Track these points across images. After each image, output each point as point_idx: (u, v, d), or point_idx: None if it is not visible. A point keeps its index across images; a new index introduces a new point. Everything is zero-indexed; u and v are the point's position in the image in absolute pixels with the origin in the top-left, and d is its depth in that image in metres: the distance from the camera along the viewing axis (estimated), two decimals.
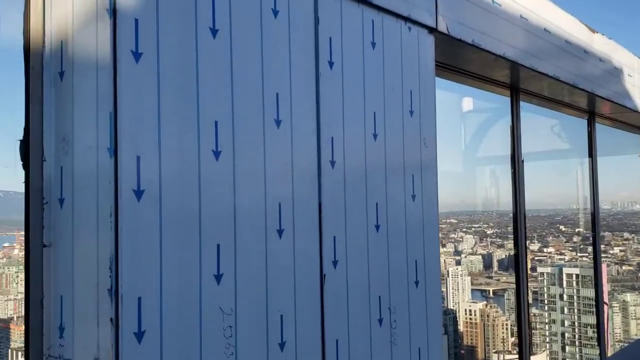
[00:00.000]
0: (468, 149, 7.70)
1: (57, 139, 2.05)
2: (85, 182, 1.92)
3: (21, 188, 2.06)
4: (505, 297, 10.62)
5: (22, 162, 2.05)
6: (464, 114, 6.88)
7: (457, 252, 10.51)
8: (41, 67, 2.07)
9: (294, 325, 2.33)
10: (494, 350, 10.61)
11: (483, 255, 10.49)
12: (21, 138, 2.06)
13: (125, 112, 1.82)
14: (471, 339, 10.91)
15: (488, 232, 10.13)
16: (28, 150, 2.04)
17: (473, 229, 10.22)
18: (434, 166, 3.20)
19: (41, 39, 2.10)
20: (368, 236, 2.74)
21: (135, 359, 1.79)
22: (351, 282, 2.62)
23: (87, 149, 1.92)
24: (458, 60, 3.87)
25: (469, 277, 10.72)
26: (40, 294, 2.05)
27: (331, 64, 2.60)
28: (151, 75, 1.89)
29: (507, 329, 10.64)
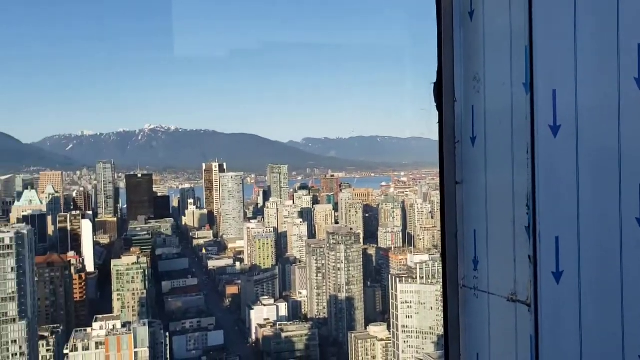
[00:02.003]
0: None
1: (467, 78, 2.08)
2: (499, 119, 1.94)
3: (435, 129, 2.18)
4: None
5: (435, 103, 2.17)
6: None
7: None
8: (451, 8, 2.13)
9: None
10: None
11: None
12: (434, 81, 2.16)
13: (540, 44, 1.75)
14: None
15: None
16: (441, 91, 2.13)
17: None
18: None
19: None
20: None
21: (554, 299, 1.77)
22: None
23: (500, 85, 1.93)
24: None
25: None
26: (454, 228, 2.14)
27: None
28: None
29: None
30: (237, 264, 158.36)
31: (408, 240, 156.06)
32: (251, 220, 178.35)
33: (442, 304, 2.47)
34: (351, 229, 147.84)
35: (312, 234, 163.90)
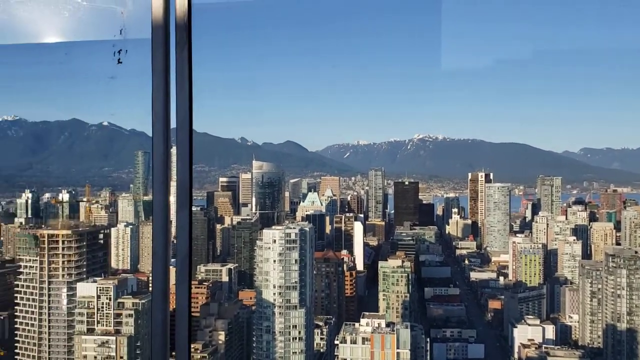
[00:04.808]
0: None
1: None
2: None
3: None
4: None
5: None
6: None
7: None
8: None
9: None
10: None
11: None
12: None
13: None
14: None
15: None
16: None
17: None
18: None
19: None
20: None
21: None
22: None
23: None
24: None
25: None
26: None
27: None
28: None
29: None
30: (501, 278, 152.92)
31: None
32: (517, 234, 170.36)
33: None
34: (636, 252, 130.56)
35: (587, 254, 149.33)
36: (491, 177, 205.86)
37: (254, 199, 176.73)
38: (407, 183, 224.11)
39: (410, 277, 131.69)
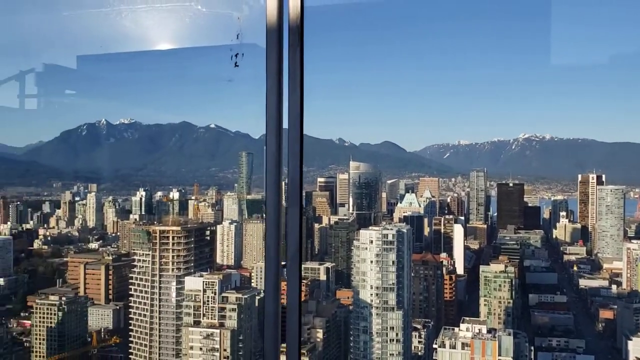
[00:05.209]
0: None
1: None
2: None
3: None
4: None
5: None
6: None
7: None
8: None
9: None
10: None
11: None
12: None
13: None
14: None
15: None
16: None
17: None
18: None
19: None
20: None
21: None
22: None
23: None
24: None
25: None
26: None
27: None
28: None
29: None
30: (614, 286, 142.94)
31: None
32: (632, 240, 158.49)
33: None
34: None
35: None
36: (603, 178, 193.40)
37: (351, 199, 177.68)
38: (511, 185, 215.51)
39: (513, 283, 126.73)
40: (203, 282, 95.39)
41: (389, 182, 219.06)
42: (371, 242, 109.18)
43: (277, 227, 4.98)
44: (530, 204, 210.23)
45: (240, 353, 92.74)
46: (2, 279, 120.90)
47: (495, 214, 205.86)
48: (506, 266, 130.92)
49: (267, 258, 4.96)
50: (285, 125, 5.06)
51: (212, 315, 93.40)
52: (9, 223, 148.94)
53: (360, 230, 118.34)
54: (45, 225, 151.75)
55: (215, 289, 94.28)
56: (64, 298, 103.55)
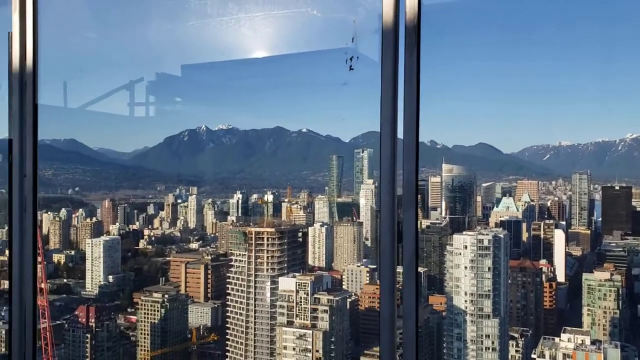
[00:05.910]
0: None
1: None
2: None
3: None
4: None
5: None
6: None
7: None
8: None
9: None
10: None
11: None
12: None
13: None
14: None
15: None
16: None
17: None
18: None
19: None
20: None
21: None
22: None
23: None
24: None
25: None
26: None
27: None
28: None
29: None
30: None
31: None
32: None
33: None
34: None
35: None
36: None
37: (443, 203, 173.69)
38: (617, 188, 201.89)
39: (620, 292, 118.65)
40: (296, 282, 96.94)
41: (484, 185, 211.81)
42: (465, 247, 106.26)
43: (392, 230, 4.94)
44: (638, 209, 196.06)
45: (332, 355, 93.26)
46: (111, 277, 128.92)
47: (600, 219, 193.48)
48: (612, 274, 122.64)
49: (383, 259, 4.93)
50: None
51: (304, 316, 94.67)
52: (117, 224, 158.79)
53: (454, 235, 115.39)
54: (150, 226, 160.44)
55: (307, 290, 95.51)
56: (166, 296, 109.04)
